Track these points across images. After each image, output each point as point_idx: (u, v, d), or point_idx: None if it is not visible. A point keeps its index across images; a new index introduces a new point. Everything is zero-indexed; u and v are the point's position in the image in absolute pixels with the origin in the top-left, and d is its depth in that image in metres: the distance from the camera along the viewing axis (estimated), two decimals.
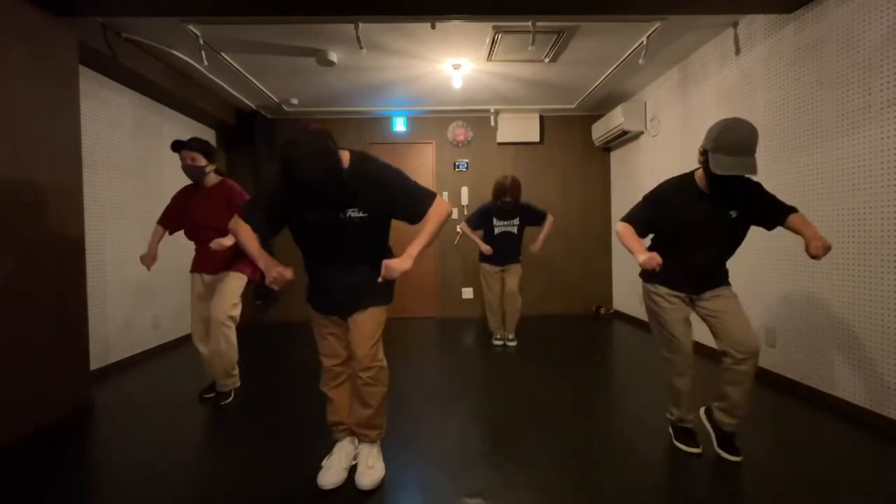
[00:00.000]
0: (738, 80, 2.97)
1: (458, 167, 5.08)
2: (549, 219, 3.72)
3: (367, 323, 1.66)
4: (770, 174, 2.70)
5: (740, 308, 1.79)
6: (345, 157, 1.55)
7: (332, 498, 1.60)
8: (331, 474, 1.66)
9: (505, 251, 3.67)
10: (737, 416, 1.80)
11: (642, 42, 3.16)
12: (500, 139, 5.03)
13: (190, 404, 2.53)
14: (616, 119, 4.35)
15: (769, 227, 1.76)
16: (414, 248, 1.57)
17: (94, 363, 2.82)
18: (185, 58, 3.26)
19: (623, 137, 4.55)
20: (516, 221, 3.63)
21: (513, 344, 3.74)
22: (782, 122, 2.62)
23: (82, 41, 2.58)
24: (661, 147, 4.00)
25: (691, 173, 1.82)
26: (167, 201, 2.61)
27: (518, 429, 2.15)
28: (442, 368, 3.21)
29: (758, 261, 2.78)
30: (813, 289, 2.43)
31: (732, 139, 1.56)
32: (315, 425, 2.19)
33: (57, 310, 2.33)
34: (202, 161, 2.43)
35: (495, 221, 3.63)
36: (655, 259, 1.65)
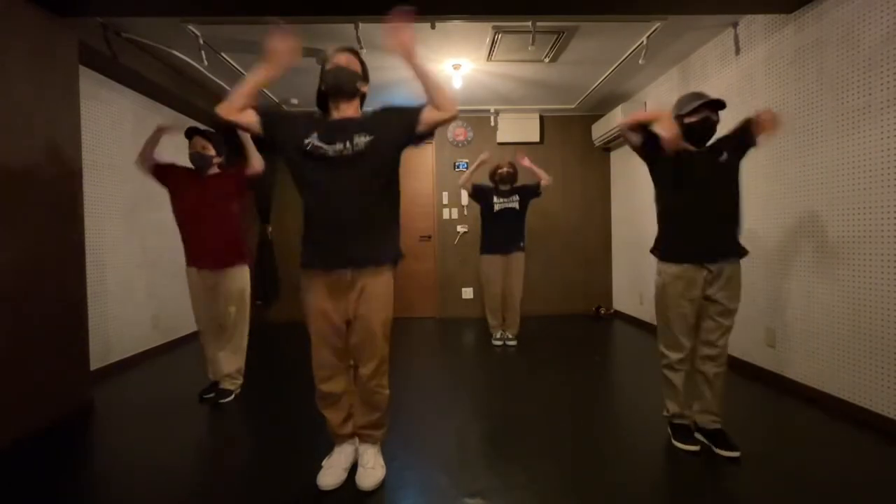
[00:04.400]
0: (738, 80, 2.97)
1: (458, 167, 5.08)
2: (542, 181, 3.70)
3: (376, 325, 1.61)
4: (770, 174, 2.70)
5: (732, 321, 1.88)
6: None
7: (332, 498, 1.60)
8: (331, 475, 1.66)
9: (507, 232, 3.65)
10: (715, 412, 1.89)
11: (642, 42, 3.16)
12: (500, 139, 5.03)
13: (190, 404, 2.53)
14: (616, 119, 4.35)
15: (752, 144, 1.84)
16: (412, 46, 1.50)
17: (94, 363, 2.81)
18: (185, 58, 3.26)
19: (623, 137, 4.55)
20: (516, 197, 3.66)
21: (513, 343, 3.74)
22: (782, 123, 2.62)
23: (82, 41, 2.58)
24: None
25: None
26: (166, 200, 2.57)
27: (518, 429, 2.15)
28: (442, 368, 3.22)
29: (757, 261, 2.78)
30: (812, 288, 2.43)
31: (688, 94, 1.88)
32: (315, 425, 2.19)
33: (57, 310, 2.33)
34: (212, 151, 2.47)
35: (495, 199, 3.65)
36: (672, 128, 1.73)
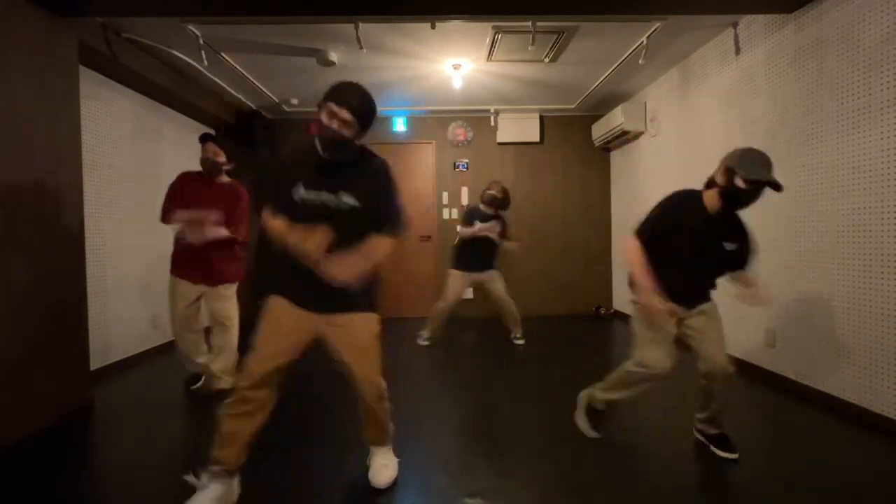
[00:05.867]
0: (738, 80, 2.97)
1: (458, 167, 5.08)
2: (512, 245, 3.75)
3: (366, 340, 1.57)
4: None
5: (721, 331, 1.82)
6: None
7: (333, 497, 1.61)
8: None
9: (480, 255, 3.67)
10: (721, 421, 1.88)
11: (642, 42, 3.16)
12: (500, 139, 5.03)
13: (190, 404, 2.54)
14: (616, 119, 4.35)
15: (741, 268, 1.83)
16: (356, 261, 1.45)
17: (94, 363, 2.81)
18: (185, 58, 3.26)
19: (623, 137, 4.55)
20: (496, 228, 3.66)
21: (521, 342, 3.75)
22: (782, 123, 2.62)
23: (82, 41, 2.58)
24: (661, 147, 4.00)
25: (699, 193, 1.80)
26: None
27: (518, 429, 2.15)
28: (442, 368, 3.21)
29: (757, 261, 2.76)
30: (813, 289, 2.43)
31: (757, 155, 1.67)
32: (315, 425, 2.20)
33: (57, 310, 2.32)
34: (222, 157, 2.51)
35: (476, 223, 3.66)
36: (660, 305, 1.68)
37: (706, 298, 1.87)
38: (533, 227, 5.09)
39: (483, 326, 4.50)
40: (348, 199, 1.51)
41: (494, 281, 3.69)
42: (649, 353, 1.82)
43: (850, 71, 2.20)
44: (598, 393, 2.01)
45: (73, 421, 2.32)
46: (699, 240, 1.76)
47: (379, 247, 1.52)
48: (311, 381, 2.82)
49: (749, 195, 1.67)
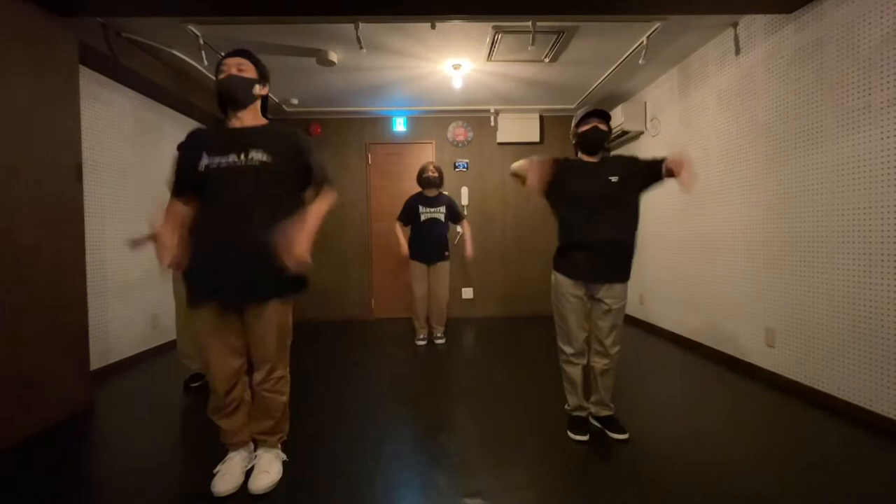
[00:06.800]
0: (738, 80, 2.97)
1: (458, 167, 5.08)
2: (466, 225, 3.94)
3: (273, 324, 1.59)
4: (770, 174, 2.70)
5: (619, 323, 2.01)
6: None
7: (329, 499, 1.60)
8: (226, 481, 1.64)
9: (432, 242, 3.72)
10: (607, 403, 2.07)
11: (642, 42, 3.16)
12: (500, 139, 5.03)
13: (190, 404, 2.53)
14: (616, 119, 4.35)
15: (658, 180, 1.96)
16: (310, 227, 1.54)
17: (94, 363, 2.82)
18: (185, 58, 3.26)
19: (623, 137, 4.55)
20: (442, 209, 3.74)
21: (441, 342, 3.85)
22: (782, 123, 2.62)
23: (82, 41, 2.58)
24: (661, 147, 3.99)
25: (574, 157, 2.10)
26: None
27: (518, 429, 2.15)
28: (441, 368, 3.21)
29: (757, 261, 2.78)
30: (813, 288, 2.43)
31: (583, 109, 2.05)
32: (314, 424, 2.19)
33: (57, 310, 2.32)
34: None
35: (421, 209, 3.72)
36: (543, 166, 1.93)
37: (619, 275, 1.96)
38: (534, 228, 5.10)
39: (482, 327, 4.50)
40: (257, 155, 1.51)
41: (438, 270, 3.77)
42: (564, 333, 2.05)
43: (850, 71, 2.20)
44: (567, 405, 2.16)
45: (73, 421, 2.32)
46: (586, 182, 1.95)
47: (322, 205, 1.59)
48: (311, 378, 2.83)
49: (593, 133, 1.98)
